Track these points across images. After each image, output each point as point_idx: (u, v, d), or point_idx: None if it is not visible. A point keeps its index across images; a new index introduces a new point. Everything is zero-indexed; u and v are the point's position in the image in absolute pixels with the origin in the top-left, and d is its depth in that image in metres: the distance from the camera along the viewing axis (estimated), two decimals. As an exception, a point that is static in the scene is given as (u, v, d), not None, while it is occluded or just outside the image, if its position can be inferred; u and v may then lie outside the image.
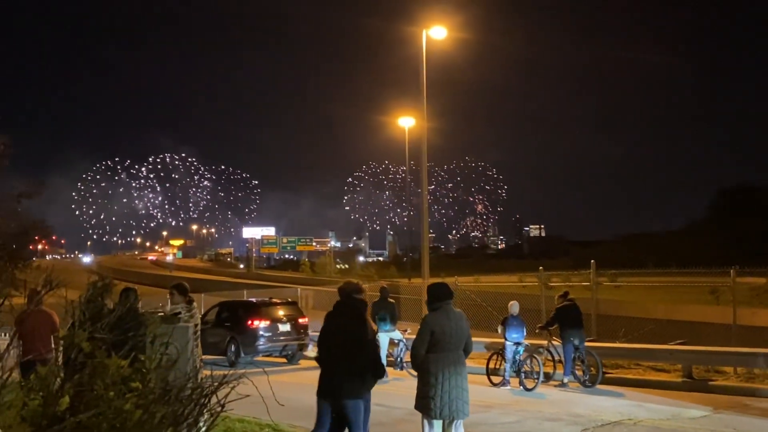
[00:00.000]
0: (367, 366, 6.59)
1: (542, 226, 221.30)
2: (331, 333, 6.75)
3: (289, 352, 19.19)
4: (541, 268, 20.68)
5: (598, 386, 13.77)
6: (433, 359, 6.71)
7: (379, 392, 6.65)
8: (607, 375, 14.42)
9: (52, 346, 7.98)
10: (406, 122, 41.52)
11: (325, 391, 6.64)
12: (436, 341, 6.72)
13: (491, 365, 14.76)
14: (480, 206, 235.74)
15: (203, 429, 4.01)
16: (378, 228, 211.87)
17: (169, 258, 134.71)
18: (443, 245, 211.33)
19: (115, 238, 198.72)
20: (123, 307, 4.33)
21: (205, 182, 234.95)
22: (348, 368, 6.50)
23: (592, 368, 14.07)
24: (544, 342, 14.84)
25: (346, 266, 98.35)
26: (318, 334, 7.08)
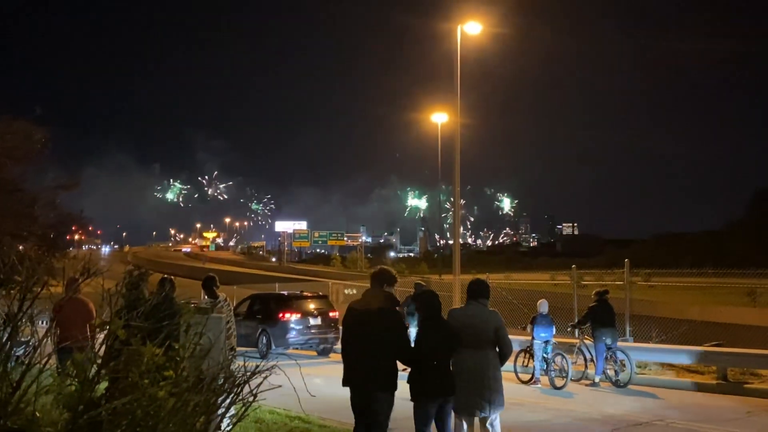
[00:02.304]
0: (397, 358, 6.55)
1: (575, 224, 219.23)
2: (361, 323, 6.59)
3: (320, 346, 19.30)
4: (573, 266, 20.50)
5: (630, 386, 13.62)
6: (456, 354, 6.72)
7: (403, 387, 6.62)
8: (639, 375, 14.27)
9: (88, 333, 8.13)
10: (440, 118, 41.42)
11: (355, 382, 6.54)
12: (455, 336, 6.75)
13: (519, 363, 14.70)
14: (504, 206, 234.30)
15: (235, 419, 4.06)
16: (412, 222, 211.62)
17: (211, 247, 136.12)
18: (475, 242, 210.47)
19: (149, 230, 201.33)
20: (159, 296, 4.40)
21: (234, 182, 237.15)
22: (379, 361, 6.41)
23: (624, 368, 13.91)
24: (577, 341, 14.72)
25: (367, 257, 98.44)
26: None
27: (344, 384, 6.59)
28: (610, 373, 13.93)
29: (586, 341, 14.47)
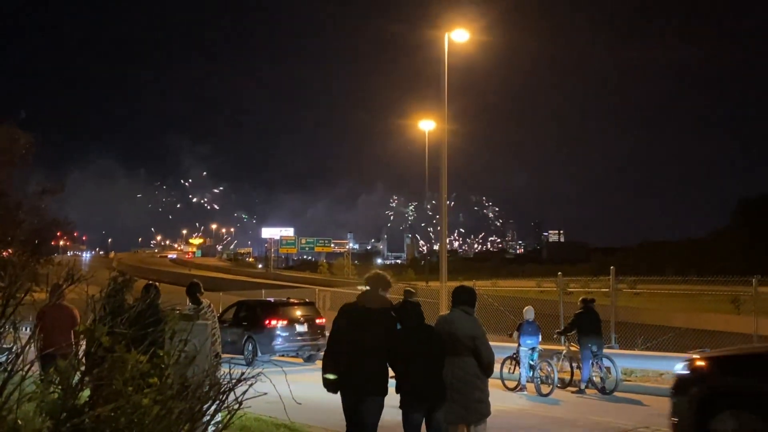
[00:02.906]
0: (387, 360, 6.56)
1: (562, 232, 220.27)
2: (355, 326, 6.57)
3: (307, 353, 19.23)
4: (559, 273, 20.56)
5: (616, 393, 13.66)
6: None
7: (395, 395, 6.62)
8: (625, 382, 14.32)
9: (72, 340, 8.06)
10: (427, 125, 41.48)
11: (346, 386, 6.54)
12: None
13: (506, 370, 14.71)
14: (490, 213, 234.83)
15: (220, 426, 4.03)
16: (399, 229, 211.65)
17: (198, 253, 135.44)
18: (462, 249, 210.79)
19: (135, 236, 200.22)
20: (143, 302, 4.36)
21: (221, 188, 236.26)
22: (373, 364, 6.44)
23: (610, 375, 13.95)
24: (563, 348, 14.76)
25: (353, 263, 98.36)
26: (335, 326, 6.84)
27: (334, 387, 6.58)
28: (596, 380, 13.99)
29: (572, 348, 14.52)
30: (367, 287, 6.87)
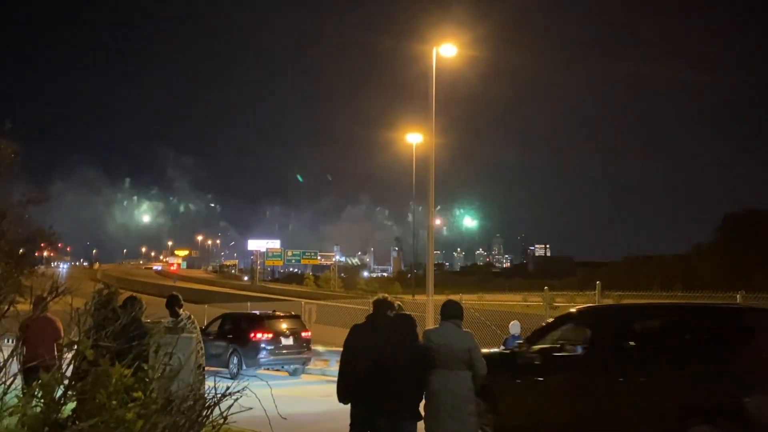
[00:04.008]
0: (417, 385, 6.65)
1: (547, 246, 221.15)
2: (380, 348, 6.66)
3: (293, 366, 19.15)
4: (546, 287, 20.61)
5: None
6: (430, 374, 6.74)
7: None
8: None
9: (56, 353, 7.98)
10: (414, 139, 41.63)
11: (377, 411, 6.54)
12: (432, 357, 6.76)
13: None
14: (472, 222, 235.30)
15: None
16: (385, 242, 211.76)
17: (173, 268, 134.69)
18: (448, 262, 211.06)
19: (120, 247, 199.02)
20: (127, 316, 4.34)
21: (209, 196, 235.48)
22: (403, 387, 6.52)
23: None
24: None
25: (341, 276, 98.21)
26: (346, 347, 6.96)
27: (368, 413, 6.58)
28: None
29: None
30: (374, 311, 7.08)
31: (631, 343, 8.26)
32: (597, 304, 17.76)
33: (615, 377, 7.80)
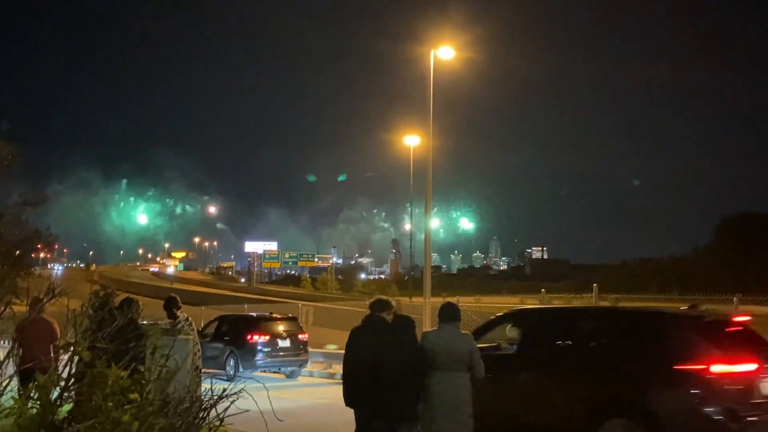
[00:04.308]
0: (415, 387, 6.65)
1: (544, 248, 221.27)
2: (379, 350, 6.69)
3: (289, 368, 19.13)
4: (543, 290, 20.63)
5: None
6: (429, 377, 6.73)
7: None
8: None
9: (52, 355, 7.96)
10: (412, 141, 41.63)
11: (376, 413, 6.56)
12: (431, 359, 6.75)
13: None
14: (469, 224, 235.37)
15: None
16: (383, 244, 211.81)
17: (170, 270, 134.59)
18: (445, 265, 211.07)
19: (117, 249, 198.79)
20: (124, 317, 4.33)
21: (206, 197, 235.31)
22: (402, 389, 6.52)
23: None
24: None
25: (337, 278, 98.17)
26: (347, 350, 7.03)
27: (369, 416, 6.63)
28: None
29: None
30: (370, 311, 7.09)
31: (556, 342, 8.94)
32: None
33: (540, 374, 8.64)
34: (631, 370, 7.76)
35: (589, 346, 8.57)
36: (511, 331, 9.60)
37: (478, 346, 8.36)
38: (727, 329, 8.10)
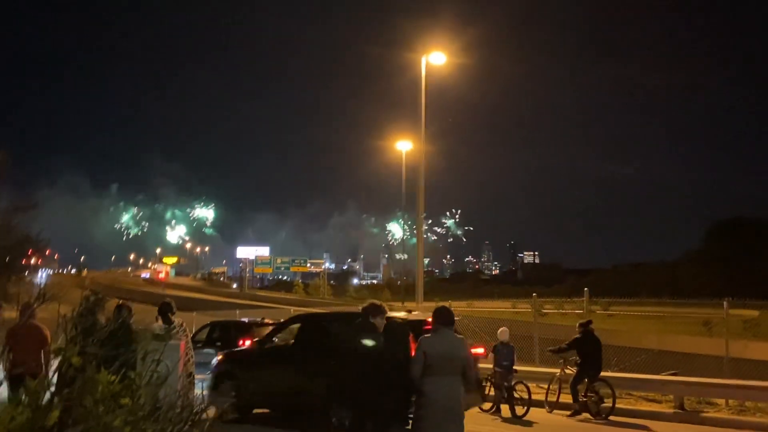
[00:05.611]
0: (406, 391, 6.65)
1: (536, 253, 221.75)
2: (375, 356, 6.72)
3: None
4: (534, 294, 20.66)
5: (611, 417, 13.42)
6: (427, 382, 6.71)
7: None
8: (605, 405, 14.22)
9: (42, 360, 7.93)
10: (404, 146, 41.70)
11: (366, 416, 6.59)
12: (428, 364, 6.72)
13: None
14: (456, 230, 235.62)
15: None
16: (375, 249, 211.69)
17: (162, 276, 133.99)
18: (437, 269, 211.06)
19: (108, 254, 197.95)
20: (115, 322, 4.33)
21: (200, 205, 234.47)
22: (391, 394, 6.53)
23: (603, 400, 13.73)
24: (557, 370, 14.65)
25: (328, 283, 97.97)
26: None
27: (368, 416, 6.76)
28: (591, 404, 13.76)
29: (566, 372, 14.40)
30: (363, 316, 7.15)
31: (309, 340, 11.82)
32: (585, 311, 17.83)
33: (296, 365, 11.50)
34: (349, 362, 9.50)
35: (327, 343, 11.20)
36: (292, 331, 12.62)
37: (263, 343, 12.64)
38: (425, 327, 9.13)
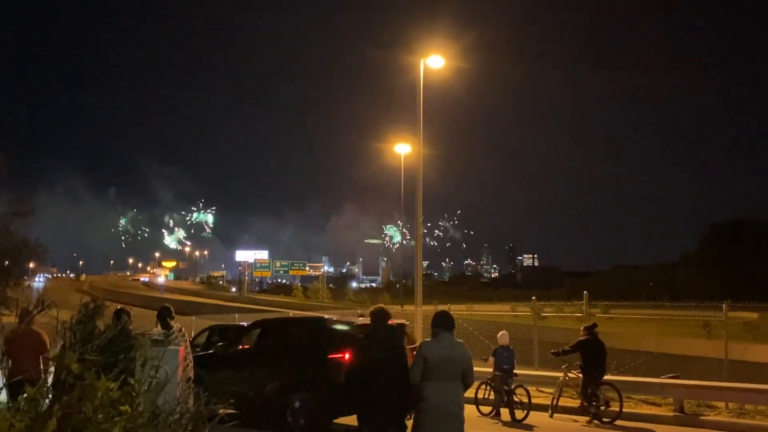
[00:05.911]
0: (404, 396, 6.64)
1: (536, 256, 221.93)
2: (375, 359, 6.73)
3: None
4: (533, 298, 20.65)
5: (617, 422, 13.34)
6: (427, 387, 6.69)
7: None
8: (609, 409, 14.14)
9: (41, 367, 7.90)
10: (402, 149, 41.66)
11: (364, 421, 6.59)
12: (429, 368, 6.69)
13: (480, 395, 14.64)
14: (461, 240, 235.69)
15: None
16: (374, 252, 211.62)
17: (161, 279, 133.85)
18: (436, 272, 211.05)
19: (107, 259, 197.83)
20: (114, 328, 4.32)
21: (200, 208, 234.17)
22: (389, 398, 6.52)
23: (609, 404, 13.69)
24: (557, 374, 14.61)
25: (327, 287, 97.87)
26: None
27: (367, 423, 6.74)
28: (593, 409, 13.72)
29: (570, 375, 14.38)
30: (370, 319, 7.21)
31: (268, 342, 13.15)
32: (585, 314, 17.82)
33: (256, 364, 12.74)
34: (310, 360, 11.88)
35: (286, 344, 12.84)
36: (253, 335, 13.62)
37: (226, 347, 13.98)
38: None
